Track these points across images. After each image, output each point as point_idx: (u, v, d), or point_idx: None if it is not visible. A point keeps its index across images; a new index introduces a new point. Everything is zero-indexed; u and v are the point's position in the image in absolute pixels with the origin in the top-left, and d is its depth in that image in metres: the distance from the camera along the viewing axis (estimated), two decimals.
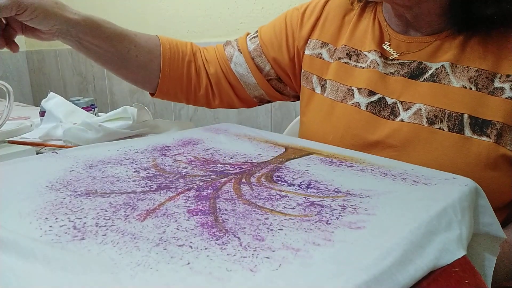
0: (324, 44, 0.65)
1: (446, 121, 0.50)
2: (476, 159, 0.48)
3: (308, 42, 0.66)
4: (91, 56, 0.63)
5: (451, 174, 0.40)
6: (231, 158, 0.46)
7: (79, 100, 1.00)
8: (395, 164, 0.44)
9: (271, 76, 0.70)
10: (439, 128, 0.50)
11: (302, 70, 0.67)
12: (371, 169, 0.42)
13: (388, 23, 0.59)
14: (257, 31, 0.72)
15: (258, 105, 0.76)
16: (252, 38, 0.70)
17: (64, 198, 0.34)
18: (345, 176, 0.40)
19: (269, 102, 0.76)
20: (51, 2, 0.55)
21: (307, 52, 0.66)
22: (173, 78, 0.68)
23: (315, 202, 0.33)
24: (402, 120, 0.53)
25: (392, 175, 0.40)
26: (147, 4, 1.63)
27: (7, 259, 0.24)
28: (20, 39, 0.60)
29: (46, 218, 0.30)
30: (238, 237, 0.27)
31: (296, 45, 0.68)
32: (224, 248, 0.26)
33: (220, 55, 0.70)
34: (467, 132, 0.48)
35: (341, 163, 0.44)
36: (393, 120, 0.53)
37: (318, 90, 0.64)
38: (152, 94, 0.71)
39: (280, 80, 0.70)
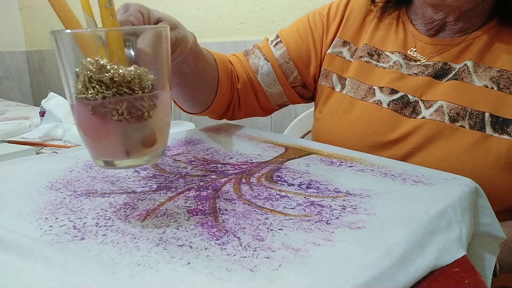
0: (345, 43, 0.64)
1: (468, 119, 0.50)
2: (496, 156, 0.48)
3: (333, 42, 0.65)
4: (178, 80, 0.54)
5: (451, 174, 0.40)
6: (231, 158, 0.46)
7: None
8: (395, 164, 0.44)
9: (297, 83, 0.67)
10: (460, 126, 0.50)
11: (322, 69, 0.66)
12: (371, 169, 0.42)
13: (414, 25, 0.59)
14: (277, 36, 0.68)
15: (277, 110, 0.73)
16: (276, 44, 0.67)
17: (64, 198, 0.34)
18: (345, 176, 0.40)
19: (287, 106, 0.74)
20: (181, 26, 0.48)
21: (328, 50, 0.65)
22: (224, 96, 0.63)
23: (315, 202, 0.33)
24: (424, 117, 0.53)
25: (392, 175, 0.40)
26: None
27: (7, 259, 0.24)
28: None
29: (46, 218, 0.30)
30: (238, 237, 0.27)
31: (323, 49, 0.66)
32: (224, 248, 0.26)
33: (246, 67, 0.66)
34: (488, 130, 0.49)
35: (341, 163, 0.44)
36: (414, 118, 0.54)
37: (338, 88, 0.63)
38: (198, 113, 0.64)
39: (304, 85, 0.69)
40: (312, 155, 0.48)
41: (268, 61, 0.65)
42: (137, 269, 0.24)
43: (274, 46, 0.66)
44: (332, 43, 0.65)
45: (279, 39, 0.67)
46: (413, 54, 0.57)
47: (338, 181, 0.39)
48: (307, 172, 0.41)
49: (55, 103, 0.92)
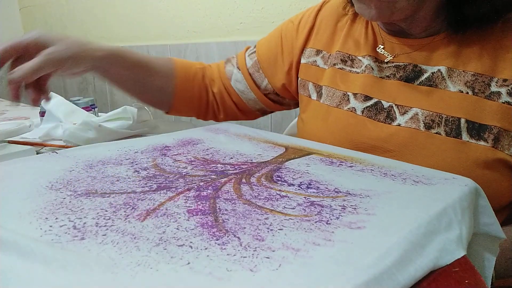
0: (318, 52, 0.65)
1: (443, 125, 0.49)
2: (474, 163, 0.47)
3: (304, 51, 0.67)
4: (114, 83, 0.67)
5: (451, 174, 0.40)
6: (231, 158, 0.46)
7: (79, 100, 1.00)
8: (395, 164, 0.44)
9: (269, 90, 0.71)
10: (436, 133, 0.50)
11: (299, 79, 0.68)
12: (371, 169, 0.42)
13: (380, 27, 0.60)
14: (255, 46, 0.73)
15: (262, 116, 0.79)
16: (251, 54, 0.72)
17: (64, 198, 0.34)
18: (345, 176, 0.40)
19: (271, 112, 0.78)
20: (79, 45, 0.57)
21: (302, 61, 0.67)
22: (185, 98, 0.72)
23: (315, 202, 0.33)
24: (399, 125, 0.52)
25: (392, 175, 0.40)
26: (147, 5, 1.63)
27: (7, 259, 0.24)
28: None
29: (46, 218, 0.30)
30: (238, 237, 0.27)
31: (292, 58, 0.68)
32: (224, 248, 0.26)
33: (221, 73, 0.73)
34: (465, 136, 0.48)
35: (341, 163, 0.44)
36: (389, 124, 0.53)
37: (314, 96, 0.65)
38: (166, 112, 0.75)
39: (277, 94, 0.72)
40: (312, 155, 0.48)
41: (240, 70, 0.71)
42: (137, 269, 0.24)
43: (249, 55, 0.72)
44: (306, 54, 0.67)
45: (254, 49, 0.72)
46: (381, 51, 0.57)
47: (338, 181, 0.39)
48: (307, 172, 0.41)
49: (55, 103, 0.92)
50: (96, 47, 0.60)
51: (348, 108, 0.58)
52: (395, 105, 0.54)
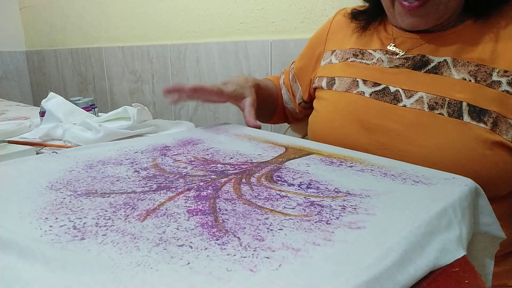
0: (332, 52, 0.71)
1: (446, 107, 0.52)
2: (475, 142, 0.50)
3: (323, 56, 0.73)
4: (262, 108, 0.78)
5: (451, 174, 0.40)
6: (231, 158, 0.46)
7: (79, 100, 1.00)
8: (395, 164, 0.44)
9: (301, 99, 0.80)
10: (439, 113, 0.52)
11: (316, 78, 0.72)
12: (371, 169, 0.42)
13: (394, 25, 0.63)
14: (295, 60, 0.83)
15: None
16: (292, 69, 0.82)
17: (64, 198, 0.34)
18: (345, 176, 0.40)
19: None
20: (249, 82, 0.69)
21: (322, 63, 0.73)
22: (281, 110, 0.85)
23: (315, 202, 0.33)
24: (404, 106, 0.55)
25: (392, 175, 0.40)
26: (147, 5, 1.63)
27: (7, 259, 0.24)
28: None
29: (46, 218, 0.30)
30: (238, 237, 0.27)
31: (314, 65, 0.75)
32: (224, 248, 0.26)
33: (277, 85, 0.85)
34: (466, 118, 0.51)
35: (341, 163, 0.44)
36: (395, 104, 0.56)
37: (326, 87, 0.68)
38: (264, 122, 0.86)
39: (305, 101, 0.79)
40: (312, 155, 0.48)
41: (284, 84, 0.83)
42: (137, 269, 0.24)
43: (290, 70, 0.82)
44: (324, 57, 0.73)
45: (294, 64, 0.82)
46: (392, 48, 0.62)
47: (338, 181, 0.39)
48: (307, 172, 0.41)
49: (55, 103, 0.92)
50: (250, 79, 0.71)
51: (357, 92, 0.61)
52: (402, 89, 0.57)
